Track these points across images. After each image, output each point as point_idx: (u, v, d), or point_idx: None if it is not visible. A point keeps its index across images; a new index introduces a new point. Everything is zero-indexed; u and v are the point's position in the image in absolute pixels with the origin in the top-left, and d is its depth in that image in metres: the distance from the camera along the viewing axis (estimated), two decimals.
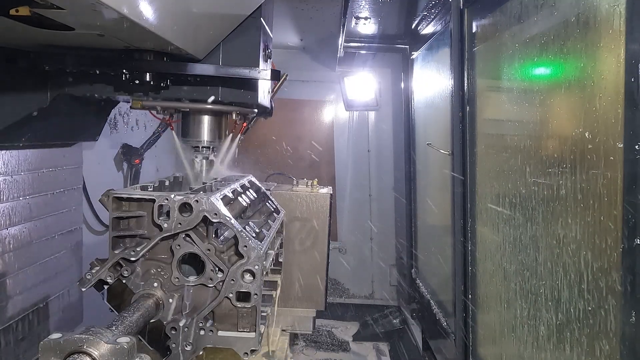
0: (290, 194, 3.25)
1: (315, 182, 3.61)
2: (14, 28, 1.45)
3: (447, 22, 3.22)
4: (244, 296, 1.83)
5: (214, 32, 1.96)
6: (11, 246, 2.51)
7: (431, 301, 3.83)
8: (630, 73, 1.33)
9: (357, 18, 3.90)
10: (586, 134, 1.57)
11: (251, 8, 2.00)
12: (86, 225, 3.42)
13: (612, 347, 1.47)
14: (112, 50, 1.86)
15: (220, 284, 1.82)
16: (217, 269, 1.83)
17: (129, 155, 4.13)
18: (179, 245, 1.82)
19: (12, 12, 1.30)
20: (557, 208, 1.78)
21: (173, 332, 1.79)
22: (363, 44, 4.77)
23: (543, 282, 1.89)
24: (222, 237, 1.90)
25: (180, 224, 1.77)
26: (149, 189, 1.88)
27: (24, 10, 1.29)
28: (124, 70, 1.95)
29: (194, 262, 1.88)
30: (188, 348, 1.80)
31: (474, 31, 2.80)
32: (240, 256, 1.83)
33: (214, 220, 1.79)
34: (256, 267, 1.81)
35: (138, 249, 1.79)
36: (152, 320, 1.78)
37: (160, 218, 1.77)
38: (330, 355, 4.53)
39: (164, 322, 1.81)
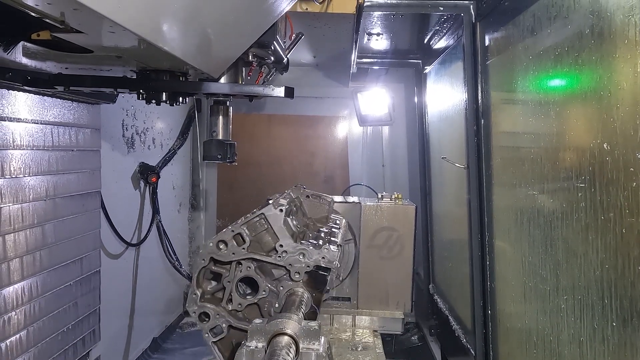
0: (376, 206, 3.74)
1: (399, 196, 3.88)
2: None
3: (460, 36, 3.22)
4: None
5: (228, 51, 1.99)
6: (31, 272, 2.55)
7: (450, 317, 3.76)
8: None
9: (370, 34, 3.92)
10: (604, 145, 1.55)
11: (263, 28, 2.03)
12: (102, 246, 3.45)
13: None
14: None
15: None
16: None
17: (146, 174, 4.18)
18: None
19: (34, 36, 1.34)
20: (576, 221, 1.75)
21: None
22: (376, 60, 4.79)
23: (565, 297, 1.85)
24: None
25: None
26: None
27: (45, 35, 1.33)
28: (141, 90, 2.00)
29: None
30: None
31: (486, 44, 2.80)
32: None
33: None
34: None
35: None
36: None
37: None
38: None
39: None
